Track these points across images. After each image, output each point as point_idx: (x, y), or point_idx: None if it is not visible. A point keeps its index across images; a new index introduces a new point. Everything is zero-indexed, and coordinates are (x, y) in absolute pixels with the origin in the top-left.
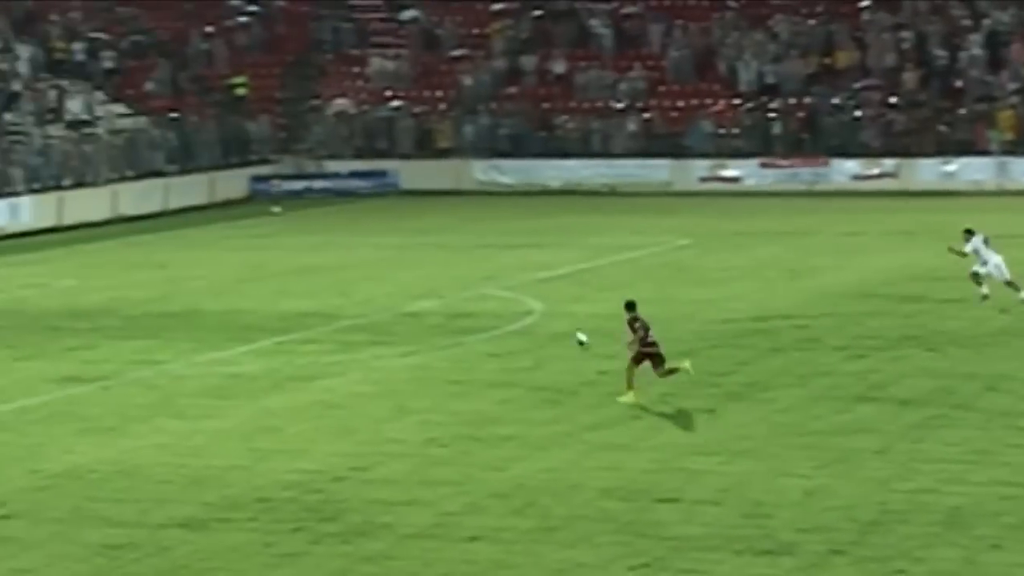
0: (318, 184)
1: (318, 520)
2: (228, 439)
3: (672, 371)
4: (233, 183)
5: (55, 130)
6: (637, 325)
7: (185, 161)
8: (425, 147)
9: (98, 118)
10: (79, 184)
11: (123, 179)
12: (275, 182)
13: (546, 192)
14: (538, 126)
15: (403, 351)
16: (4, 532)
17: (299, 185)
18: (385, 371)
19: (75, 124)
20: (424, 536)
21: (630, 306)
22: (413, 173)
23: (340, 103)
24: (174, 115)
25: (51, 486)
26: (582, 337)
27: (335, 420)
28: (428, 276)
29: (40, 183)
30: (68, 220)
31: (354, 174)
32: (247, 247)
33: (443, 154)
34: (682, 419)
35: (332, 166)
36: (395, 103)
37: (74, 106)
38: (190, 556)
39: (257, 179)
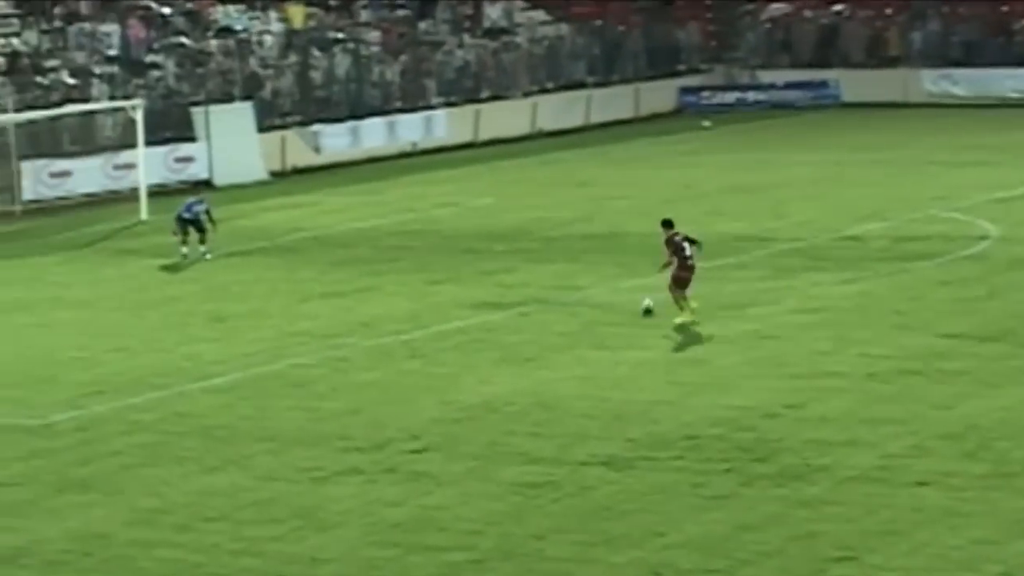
0: (751, 96)
1: (750, 460)
2: (652, 371)
3: (684, 302)
4: (660, 95)
5: (472, 39)
6: (670, 245)
7: (608, 72)
8: (872, 56)
9: (517, 25)
10: (496, 97)
11: (543, 91)
12: (705, 94)
13: (1004, 104)
14: (996, 32)
15: (843, 278)
16: (418, 467)
17: (731, 97)
18: (823, 299)
19: (493, 32)
20: (866, 480)
21: (667, 223)
22: (856, 84)
23: (777, 8)
24: (598, 22)
25: (466, 418)
26: (648, 303)
27: (768, 352)
28: (872, 196)
29: (455, 96)
30: (484, 135)
31: (791, 85)
32: (674, 164)
33: (889, 63)
34: None
35: (767, 76)
36: (838, 7)
37: (492, 13)
38: (612, 497)
39: (685, 91)
